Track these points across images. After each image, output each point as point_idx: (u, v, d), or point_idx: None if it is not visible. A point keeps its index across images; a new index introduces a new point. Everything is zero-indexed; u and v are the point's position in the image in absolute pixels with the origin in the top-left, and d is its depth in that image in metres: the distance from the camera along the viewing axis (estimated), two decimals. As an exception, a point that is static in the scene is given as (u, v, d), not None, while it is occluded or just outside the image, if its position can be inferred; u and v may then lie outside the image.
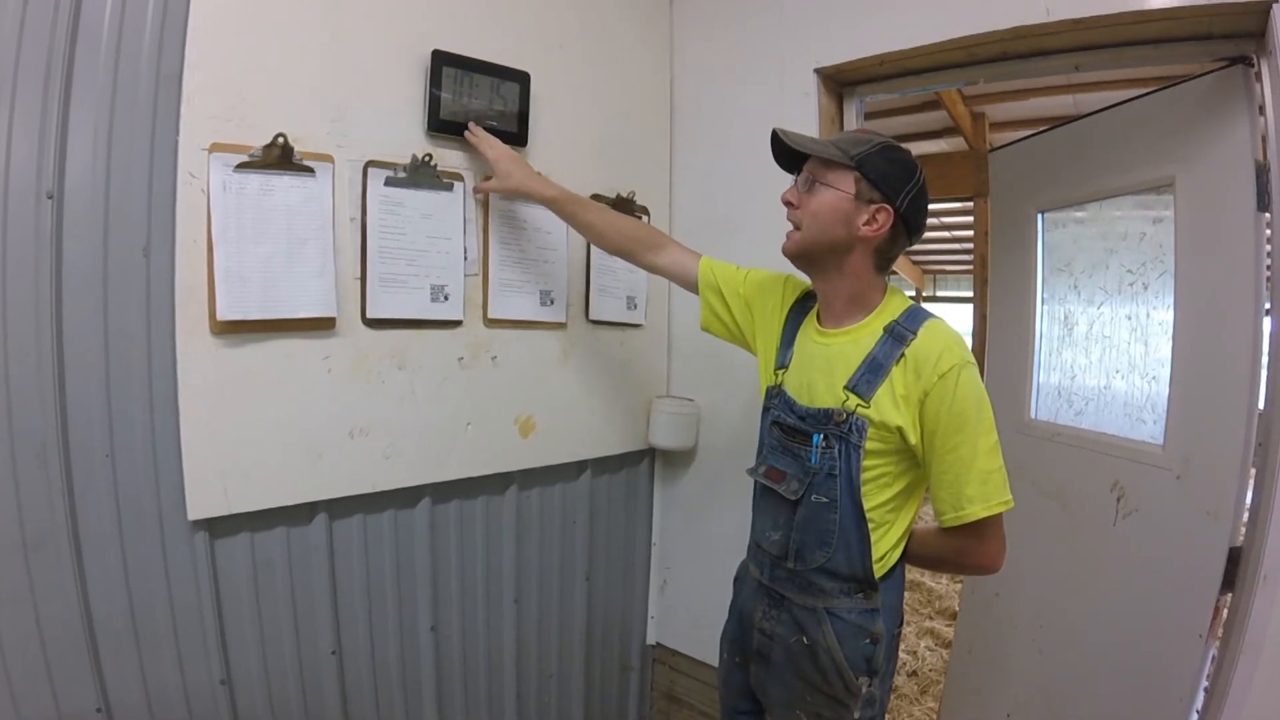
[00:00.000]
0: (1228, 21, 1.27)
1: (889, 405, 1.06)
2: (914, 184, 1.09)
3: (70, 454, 1.12)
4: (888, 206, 1.07)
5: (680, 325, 1.97)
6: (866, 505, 1.10)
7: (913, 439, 1.06)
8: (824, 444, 1.11)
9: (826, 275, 1.16)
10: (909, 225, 1.11)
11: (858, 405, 1.08)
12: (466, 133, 1.45)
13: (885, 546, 1.13)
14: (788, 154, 1.17)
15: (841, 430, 1.09)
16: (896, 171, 1.08)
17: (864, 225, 1.08)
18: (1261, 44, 1.27)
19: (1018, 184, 2.02)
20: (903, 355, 1.07)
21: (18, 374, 1.07)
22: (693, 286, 1.40)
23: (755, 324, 1.33)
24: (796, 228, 1.15)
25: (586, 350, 1.76)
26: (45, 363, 1.09)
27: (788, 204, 1.16)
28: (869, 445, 1.08)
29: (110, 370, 1.15)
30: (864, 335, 1.12)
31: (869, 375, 1.08)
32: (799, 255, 1.16)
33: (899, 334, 1.09)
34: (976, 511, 1.04)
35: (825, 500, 1.11)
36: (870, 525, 1.10)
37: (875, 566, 1.11)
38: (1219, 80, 1.37)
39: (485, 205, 1.54)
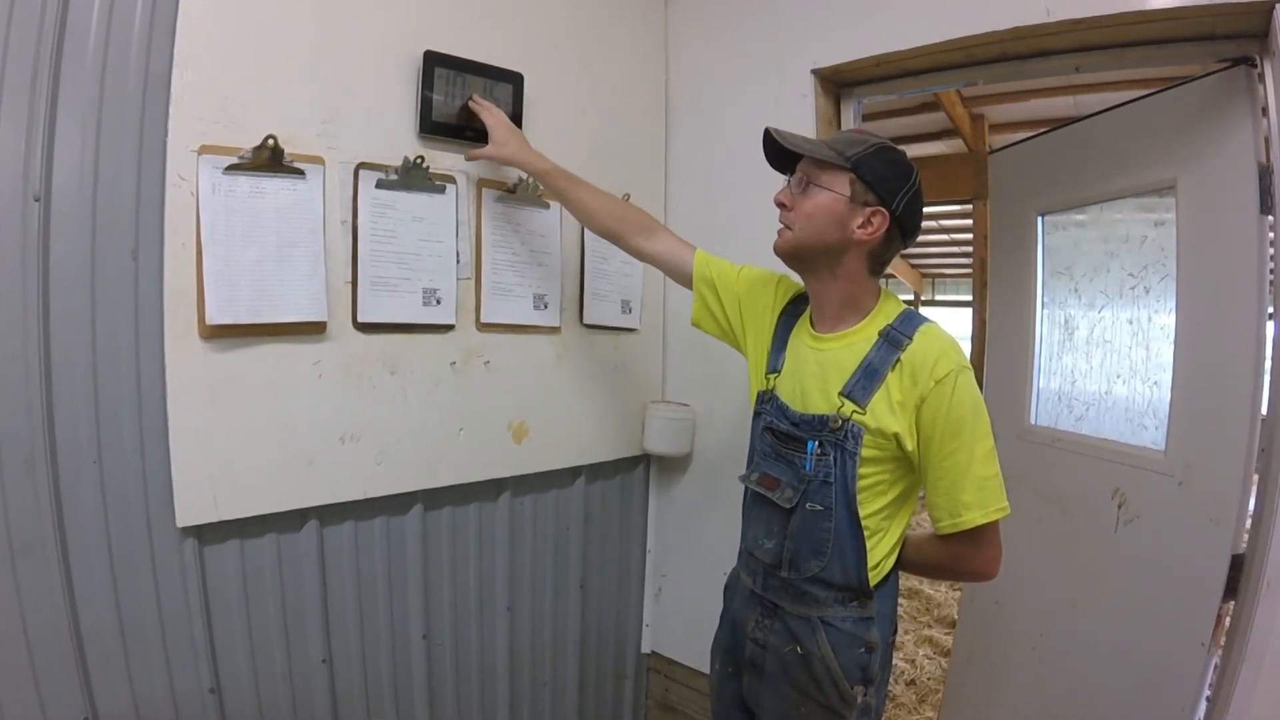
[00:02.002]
0: (1230, 22, 1.26)
1: (885, 411, 1.05)
2: (910, 187, 1.07)
3: (58, 460, 1.11)
4: (883, 209, 1.06)
5: (675, 329, 1.96)
6: (862, 512, 1.09)
7: (909, 445, 1.05)
8: (819, 451, 1.09)
9: (819, 277, 1.14)
10: (904, 228, 1.09)
11: (853, 411, 1.07)
12: (470, 101, 1.45)
13: (880, 554, 1.11)
14: (780, 154, 1.15)
15: (837, 437, 1.08)
16: (892, 174, 1.07)
17: (858, 228, 1.07)
18: (1264, 44, 1.26)
19: (1017, 186, 2.00)
20: (899, 360, 1.05)
21: (4, 378, 1.06)
22: (684, 279, 1.37)
23: (746, 323, 1.31)
24: (789, 228, 1.13)
25: (580, 355, 1.75)
26: (32, 367, 1.08)
27: (780, 205, 1.14)
28: (865, 452, 1.07)
29: (98, 375, 1.14)
30: (859, 340, 1.11)
31: (865, 381, 1.07)
32: (791, 255, 1.14)
33: (894, 339, 1.07)
34: (974, 518, 1.03)
35: (820, 508, 1.10)
36: (865, 533, 1.09)
37: (870, 574, 1.10)
38: (1221, 81, 1.36)
39: (478, 208, 1.53)
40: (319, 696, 1.41)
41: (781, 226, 1.14)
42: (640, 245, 1.40)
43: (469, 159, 1.48)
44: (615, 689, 2.04)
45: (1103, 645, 1.59)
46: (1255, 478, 1.29)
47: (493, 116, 1.43)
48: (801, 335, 1.20)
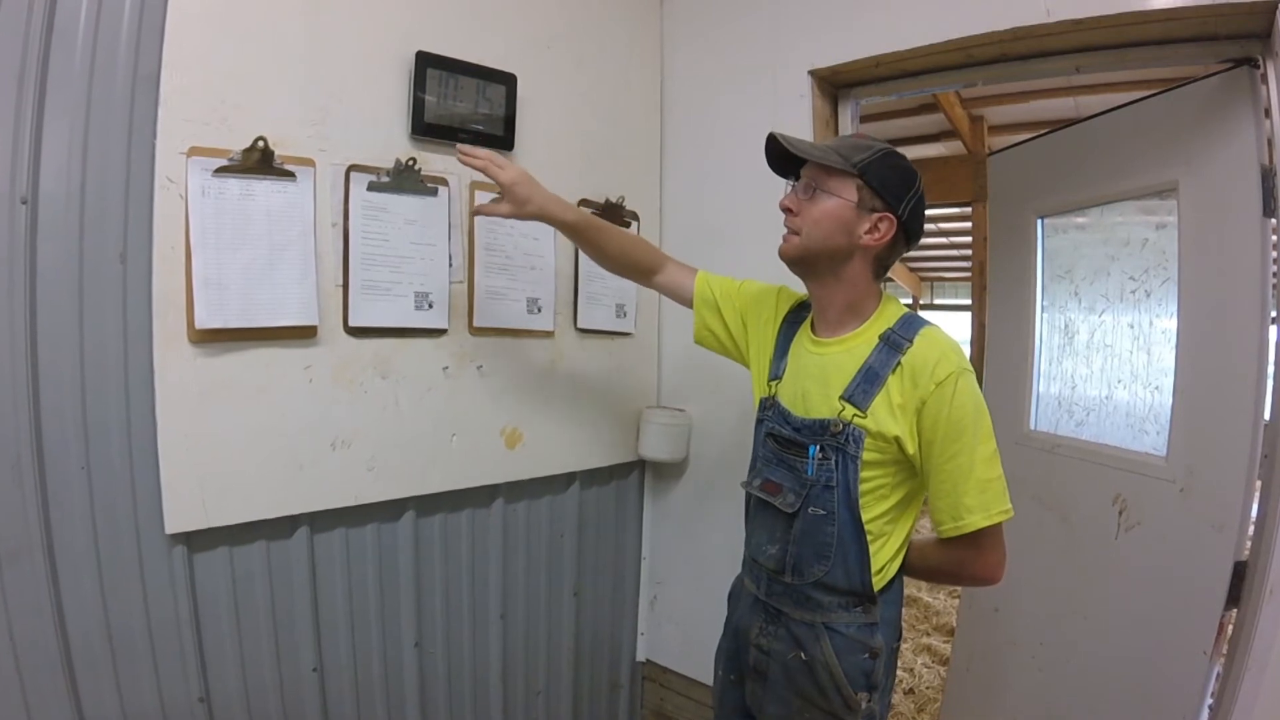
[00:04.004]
0: (1232, 22, 1.26)
1: (886, 415, 1.05)
2: (915, 192, 1.08)
3: (45, 466, 1.10)
4: (890, 215, 1.06)
5: (671, 334, 1.94)
6: (864, 517, 1.08)
7: (910, 449, 1.05)
8: (820, 455, 1.09)
9: (823, 281, 1.14)
10: (908, 233, 1.10)
11: (854, 415, 1.06)
12: (461, 156, 1.26)
13: (884, 558, 1.11)
14: (782, 158, 1.15)
15: (838, 441, 1.07)
16: (898, 179, 1.07)
17: (865, 234, 1.07)
18: (1267, 45, 1.25)
19: (1017, 189, 1.99)
20: (899, 364, 1.05)
21: (-10, 384, 1.05)
22: (688, 302, 1.37)
23: (748, 335, 1.31)
24: (795, 234, 1.12)
25: (575, 360, 1.74)
26: (19, 372, 1.07)
27: (786, 210, 1.13)
28: (866, 456, 1.06)
29: (86, 380, 1.13)
30: (859, 344, 1.10)
31: (865, 385, 1.07)
32: (797, 260, 1.14)
33: (895, 342, 1.07)
34: (976, 521, 1.02)
35: (822, 513, 1.09)
36: (869, 537, 1.08)
37: (874, 579, 1.09)
38: (1223, 82, 1.35)
39: (471, 210, 1.51)
40: (309, 705, 1.40)
41: (787, 231, 1.14)
42: (651, 281, 1.40)
43: (475, 214, 1.43)
44: (610, 698, 2.03)
45: (1103, 653, 1.58)
46: (1258, 484, 1.28)
47: (505, 172, 1.24)
48: (802, 341, 1.20)
